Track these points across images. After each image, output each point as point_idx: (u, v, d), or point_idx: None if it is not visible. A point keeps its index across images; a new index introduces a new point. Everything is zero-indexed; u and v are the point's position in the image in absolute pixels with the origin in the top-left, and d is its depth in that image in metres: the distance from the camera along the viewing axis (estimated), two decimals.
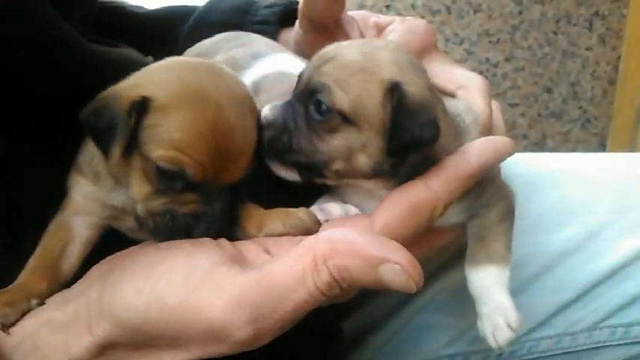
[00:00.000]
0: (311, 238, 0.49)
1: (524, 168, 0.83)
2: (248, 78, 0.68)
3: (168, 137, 0.52)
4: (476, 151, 0.57)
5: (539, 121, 2.06)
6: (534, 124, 2.05)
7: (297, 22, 0.78)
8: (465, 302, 0.77)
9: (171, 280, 0.49)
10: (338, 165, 0.56)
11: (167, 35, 0.86)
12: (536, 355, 0.79)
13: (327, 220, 0.56)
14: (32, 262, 0.56)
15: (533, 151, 2.04)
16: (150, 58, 0.72)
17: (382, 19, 0.76)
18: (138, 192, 0.54)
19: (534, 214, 0.81)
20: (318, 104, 0.55)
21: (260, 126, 0.58)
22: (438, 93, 0.60)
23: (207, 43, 0.77)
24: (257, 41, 0.76)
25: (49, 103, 0.57)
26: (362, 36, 0.76)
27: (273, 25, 0.83)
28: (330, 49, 0.58)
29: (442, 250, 0.65)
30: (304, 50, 0.77)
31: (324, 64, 0.57)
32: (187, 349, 0.49)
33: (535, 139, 2.07)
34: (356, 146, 0.55)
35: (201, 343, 0.48)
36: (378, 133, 0.55)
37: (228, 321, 0.47)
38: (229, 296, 0.47)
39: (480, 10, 1.92)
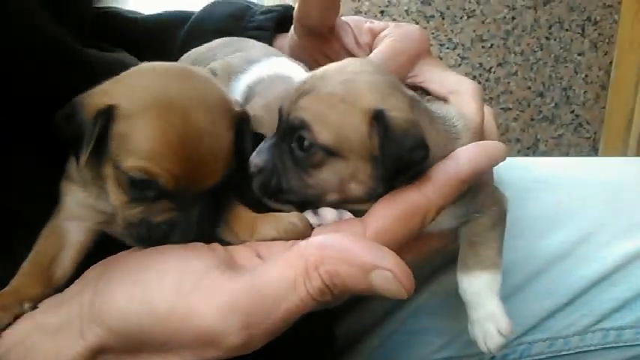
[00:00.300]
0: (303, 243, 0.49)
1: (516, 172, 0.83)
2: (243, 82, 0.68)
3: (136, 147, 0.52)
4: (468, 156, 0.56)
5: (532, 125, 2.06)
6: (527, 129, 2.06)
7: (291, 27, 0.78)
8: (457, 306, 0.77)
9: (162, 285, 0.48)
10: (332, 196, 0.56)
11: (163, 41, 0.86)
12: (528, 359, 0.79)
13: (320, 225, 0.56)
14: (25, 266, 0.56)
15: (525, 155, 2.05)
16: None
17: (376, 24, 0.76)
18: (115, 200, 0.55)
19: (526, 219, 0.81)
20: (300, 141, 0.55)
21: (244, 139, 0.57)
22: (421, 101, 0.60)
23: (202, 49, 0.77)
24: (253, 47, 0.76)
25: (40, 107, 0.57)
26: (356, 41, 0.77)
27: (269, 31, 0.83)
28: (307, 79, 0.57)
29: (434, 255, 0.65)
30: (299, 55, 0.77)
31: (302, 97, 0.56)
32: (179, 354, 0.49)
33: (527, 143, 2.07)
34: (345, 176, 0.55)
35: (193, 349, 0.48)
36: (366, 161, 0.54)
37: (220, 327, 0.46)
38: (221, 302, 0.47)
39: (473, 16, 1.93)
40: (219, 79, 0.70)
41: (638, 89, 2.00)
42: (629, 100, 2.03)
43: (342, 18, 0.78)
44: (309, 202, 0.57)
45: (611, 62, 2.05)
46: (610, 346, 0.78)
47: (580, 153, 2.11)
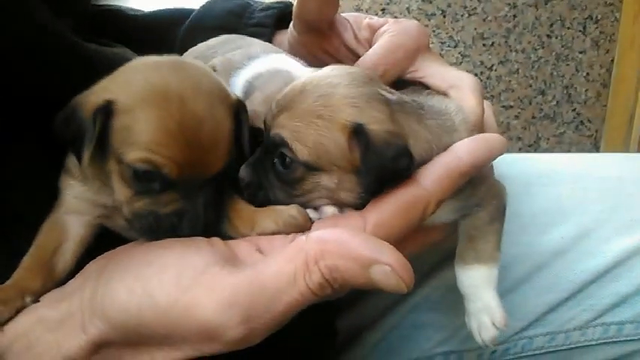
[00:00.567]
0: (302, 237, 0.49)
1: (518, 168, 0.84)
2: (243, 77, 0.68)
3: (138, 139, 0.52)
4: (468, 148, 0.57)
5: (533, 123, 2.06)
6: (528, 127, 2.06)
7: (291, 24, 0.78)
8: (458, 301, 0.77)
9: (163, 280, 0.49)
10: (321, 202, 0.57)
11: (163, 38, 0.86)
12: (529, 353, 0.79)
13: (319, 218, 0.56)
14: (26, 260, 0.56)
15: (527, 153, 2.05)
16: None
17: (375, 20, 0.76)
18: (120, 195, 0.55)
19: (527, 214, 0.81)
20: (282, 158, 0.56)
21: (239, 121, 0.57)
22: (407, 102, 0.59)
23: (203, 46, 0.78)
24: (253, 44, 0.76)
25: (40, 104, 0.57)
26: (355, 37, 0.77)
27: (268, 28, 0.83)
28: (287, 93, 0.58)
29: (434, 249, 0.65)
30: (299, 52, 0.77)
31: (281, 113, 0.57)
32: (180, 348, 0.49)
33: (529, 141, 2.07)
34: (331, 186, 0.56)
35: (193, 343, 0.49)
36: (350, 172, 0.55)
37: (220, 321, 0.47)
38: (221, 297, 0.47)
39: (474, 14, 1.93)
40: (219, 75, 0.70)
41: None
42: (630, 98, 2.02)
43: (342, 14, 0.78)
44: None
45: (612, 60, 2.05)
46: (611, 340, 0.78)
47: (581, 151, 2.11)
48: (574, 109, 2.08)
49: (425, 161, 0.56)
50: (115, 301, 0.49)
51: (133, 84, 0.54)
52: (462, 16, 1.92)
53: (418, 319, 0.81)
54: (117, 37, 0.80)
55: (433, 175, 0.55)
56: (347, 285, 0.47)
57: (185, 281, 0.48)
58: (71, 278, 0.55)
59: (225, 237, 0.55)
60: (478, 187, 0.61)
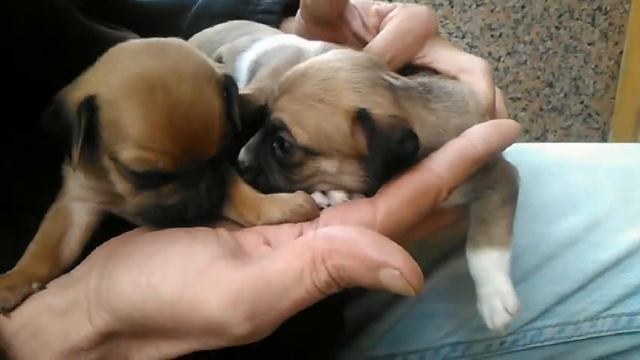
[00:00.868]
0: (310, 234, 0.49)
1: (528, 158, 0.83)
2: (248, 58, 0.68)
3: (127, 134, 0.51)
4: (482, 134, 0.56)
5: (541, 115, 2.05)
6: (536, 119, 2.05)
7: (298, 12, 0.78)
8: (466, 290, 0.76)
9: (168, 272, 0.48)
10: (322, 187, 0.56)
11: (169, 25, 0.85)
12: (539, 344, 0.79)
13: (329, 205, 0.55)
14: (32, 247, 0.56)
15: None
16: None
17: (383, 6, 0.76)
18: (121, 189, 0.54)
19: (538, 204, 0.80)
20: (281, 142, 0.55)
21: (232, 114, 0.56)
22: (413, 86, 0.59)
23: (210, 32, 0.77)
24: (260, 30, 0.76)
25: (45, 84, 0.56)
26: (363, 24, 0.76)
27: (276, 15, 0.82)
28: (289, 76, 0.57)
29: (442, 238, 0.64)
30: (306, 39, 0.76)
31: (281, 96, 0.56)
32: (186, 341, 0.49)
33: (536, 133, 2.06)
34: (331, 171, 0.55)
35: (198, 337, 0.48)
36: (351, 158, 0.54)
37: (226, 318, 0.46)
38: (227, 293, 0.46)
39: (482, 4, 1.92)
40: (226, 62, 0.70)
41: None
42: (638, 91, 2.01)
43: (350, 1, 0.77)
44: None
45: (621, 52, 2.03)
46: (621, 332, 0.77)
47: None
48: (582, 102, 2.07)
49: (434, 146, 0.55)
50: (120, 293, 0.49)
51: (113, 75, 0.52)
52: (469, 6, 1.91)
53: (426, 309, 0.81)
54: (123, 24, 0.80)
55: (446, 162, 0.54)
56: (354, 284, 0.47)
57: (190, 275, 0.48)
58: (77, 265, 0.55)
59: (230, 227, 0.54)
60: (490, 170, 0.60)
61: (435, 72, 0.70)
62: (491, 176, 0.60)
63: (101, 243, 0.55)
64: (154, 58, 0.53)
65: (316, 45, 0.67)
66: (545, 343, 0.79)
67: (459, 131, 0.57)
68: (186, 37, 0.78)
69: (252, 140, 0.58)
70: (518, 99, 2.02)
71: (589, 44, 2.02)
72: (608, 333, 0.78)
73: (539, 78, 2.02)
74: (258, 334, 0.47)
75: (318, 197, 0.56)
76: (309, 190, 0.56)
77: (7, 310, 0.52)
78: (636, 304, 0.77)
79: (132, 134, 0.50)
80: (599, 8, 1.99)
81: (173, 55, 0.54)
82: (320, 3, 0.72)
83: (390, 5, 0.75)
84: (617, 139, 2.07)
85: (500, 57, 1.97)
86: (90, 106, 0.51)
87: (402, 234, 0.53)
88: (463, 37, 1.93)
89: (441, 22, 1.89)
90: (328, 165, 0.55)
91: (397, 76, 0.59)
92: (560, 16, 1.98)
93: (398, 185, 0.53)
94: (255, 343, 0.48)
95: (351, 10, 0.77)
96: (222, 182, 0.56)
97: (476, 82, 0.65)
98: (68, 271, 0.55)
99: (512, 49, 1.97)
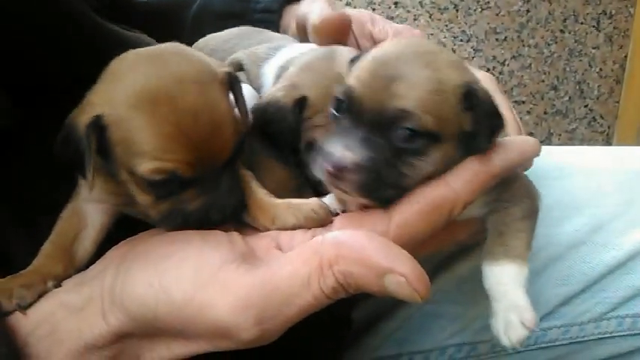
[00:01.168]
0: (319, 238, 0.49)
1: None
2: (274, 64, 0.69)
3: (141, 149, 0.51)
4: (500, 151, 0.55)
5: (545, 119, 2.06)
6: (540, 122, 2.06)
7: (294, 22, 0.78)
8: (472, 292, 0.77)
9: (180, 275, 0.49)
10: (420, 183, 0.54)
11: (172, 21, 0.86)
12: (543, 345, 0.79)
13: (344, 211, 0.55)
14: (47, 246, 0.57)
15: None
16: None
17: (377, 30, 0.75)
18: (142, 200, 0.55)
19: (542, 207, 0.80)
20: (405, 132, 0.52)
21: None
22: None
23: (217, 39, 0.78)
24: (274, 38, 0.77)
25: (61, 84, 0.57)
26: (356, 43, 0.76)
27: (275, 13, 0.83)
28: (386, 62, 0.54)
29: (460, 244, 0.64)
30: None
31: (393, 85, 0.52)
32: (196, 342, 0.50)
33: (541, 136, 2.07)
34: (443, 159, 0.54)
35: (208, 339, 0.49)
36: (455, 139, 0.54)
37: (234, 322, 0.47)
38: (235, 298, 0.47)
39: (487, 8, 1.92)
40: (247, 69, 0.71)
41: None
42: None
43: (350, 12, 0.77)
44: (399, 195, 0.54)
45: (625, 56, 2.04)
46: (625, 333, 0.77)
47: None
48: (586, 105, 2.08)
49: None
50: (133, 294, 0.50)
51: (115, 93, 0.52)
52: (474, 10, 1.92)
53: (432, 310, 0.81)
54: (126, 20, 0.80)
55: (463, 177, 0.54)
56: (361, 290, 0.47)
57: (201, 278, 0.48)
58: (91, 264, 0.56)
59: (244, 230, 0.55)
60: (509, 185, 0.59)
61: None
62: (510, 191, 0.59)
63: (115, 242, 0.56)
64: (154, 69, 0.53)
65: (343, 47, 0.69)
66: (550, 344, 0.79)
67: None
68: (190, 33, 0.78)
69: (345, 139, 0.53)
70: (523, 102, 2.02)
71: (593, 48, 2.03)
72: (613, 334, 0.78)
73: (543, 81, 2.02)
74: (267, 338, 0.48)
75: (333, 203, 0.56)
76: (408, 188, 0.54)
77: (24, 308, 0.53)
78: None
79: (145, 149, 0.51)
80: (604, 12, 2.00)
81: (173, 63, 0.54)
82: (323, 42, 0.72)
83: (383, 31, 0.75)
84: (622, 143, 2.07)
85: (504, 60, 1.97)
86: (97, 127, 0.51)
87: (415, 246, 0.53)
88: (468, 40, 1.94)
89: (446, 25, 1.90)
90: (442, 152, 0.53)
91: None
92: (564, 19, 1.98)
93: (413, 197, 0.53)
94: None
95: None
96: (239, 184, 0.56)
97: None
98: (82, 270, 0.56)
99: (516, 53, 1.98)
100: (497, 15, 1.93)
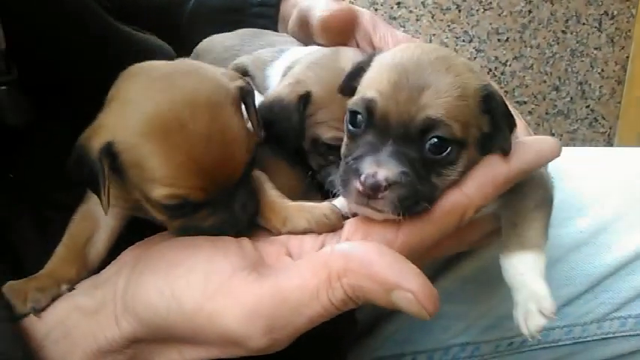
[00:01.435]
0: (328, 249, 0.50)
1: None
2: (280, 65, 0.70)
3: (153, 176, 0.51)
4: (517, 154, 0.55)
5: (547, 119, 2.06)
6: (542, 123, 2.06)
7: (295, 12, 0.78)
8: (475, 292, 0.78)
9: (190, 283, 0.49)
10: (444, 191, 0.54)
11: (169, 16, 0.86)
12: (546, 345, 0.80)
13: (355, 214, 0.55)
14: (60, 249, 0.57)
15: None
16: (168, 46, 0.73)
17: (377, 39, 0.75)
18: (158, 217, 0.55)
19: None
20: (436, 142, 0.51)
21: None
22: None
23: (219, 47, 0.78)
24: (279, 41, 0.77)
25: (72, 85, 0.57)
26: (356, 43, 0.77)
27: (273, 7, 0.83)
28: (407, 71, 0.53)
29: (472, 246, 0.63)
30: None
31: (419, 94, 0.52)
32: (207, 349, 0.51)
33: None
34: (467, 166, 0.53)
35: (218, 346, 0.50)
36: (475, 142, 0.54)
37: (244, 331, 0.47)
38: (245, 307, 0.47)
39: (489, 9, 1.93)
40: (252, 73, 0.71)
41: None
42: None
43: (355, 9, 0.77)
44: (428, 209, 0.53)
45: (627, 57, 2.04)
46: (628, 334, 0.78)
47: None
48: (588, 106, 2.08)
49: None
50: (145, 301, 0.50)
51: (127, 118, 0.52)
52: (477, 10, 1.92)
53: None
54: (125, 16, 0.80)
55: (477, 182, 0.54)
56: (369, 302, 0.48)
57: (211, 287, 0.49)
58: (104, 267, 0.57)
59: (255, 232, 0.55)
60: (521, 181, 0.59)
61: None
62: (521, 184, 0.58)
63: (126, 244, 0.57)
64: (165, 94, 0.52)
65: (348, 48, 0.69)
66: (553, 344, 0.80)
67: None
68: (186, 27, 0.78)
69: (375, 153, 0.51)
70: (525, 103, 2.03)
71: (595, 49, 2.03)
72: (615, 335, 0.78)
73: (545, 82, 2.02)
74: (276, 347, 0.49)
75: (344, 207, 0.56)
76: (435, 195, 0.53)
77: (38, 311, 0.53)
78: None
79: (157, 176, 0.51)
80: (606, 13, 2.00)
81: (184, 86, 0.53)
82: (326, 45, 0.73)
83: (385, 38, 0.74)
84: (623, 144, 2.07)
85: (506, 61, 1.98)
86: (109, 152, 0.51)
87: (425, 251, 0.54)
88: (470, 41, 1.94)
89: (449, 26, 1.91)
90: (467, 158, 0.53)
91: None
92: (567, 20, 1.98)
93: None
94: None
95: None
96: (253, 192, 0.56)
97: None
98: (95, 273, 0.57)
99: (518, 54, 1.98)
100: (499, 15, 1.94)
